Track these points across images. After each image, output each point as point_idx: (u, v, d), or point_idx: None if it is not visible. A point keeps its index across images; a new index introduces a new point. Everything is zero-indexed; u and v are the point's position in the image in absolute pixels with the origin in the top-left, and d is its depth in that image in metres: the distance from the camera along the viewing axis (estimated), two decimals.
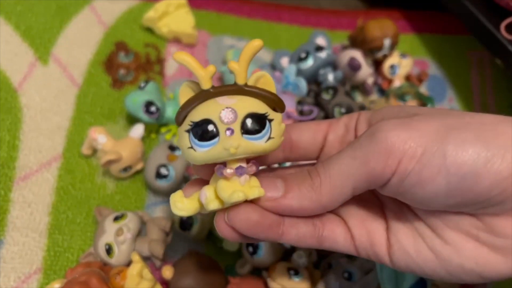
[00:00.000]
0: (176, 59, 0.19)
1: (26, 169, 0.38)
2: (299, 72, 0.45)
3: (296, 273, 0.32)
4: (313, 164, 0.26)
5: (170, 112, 0.41)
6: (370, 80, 0.47)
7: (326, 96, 0.44)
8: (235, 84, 0.20)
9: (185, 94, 0.20)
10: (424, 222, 0.20)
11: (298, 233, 0.21)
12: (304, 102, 0.44)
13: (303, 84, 0.42)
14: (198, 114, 0.19)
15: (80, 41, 0.45)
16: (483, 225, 0.19)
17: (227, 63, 0.46)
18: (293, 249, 0.35)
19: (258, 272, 0.34)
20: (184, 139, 0.20)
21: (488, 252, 0.19)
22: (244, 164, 0.20)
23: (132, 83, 0.45)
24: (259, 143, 0.19)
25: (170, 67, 0.47)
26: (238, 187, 0.20)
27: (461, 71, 0.53)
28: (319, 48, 0.45)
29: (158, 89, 0.41)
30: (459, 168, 0.17)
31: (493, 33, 0.44)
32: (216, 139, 0.19)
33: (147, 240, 0.34)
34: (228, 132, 0.19)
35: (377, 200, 0.23)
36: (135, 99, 0.39)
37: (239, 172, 0.20)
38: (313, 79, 0.46)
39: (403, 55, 0.48)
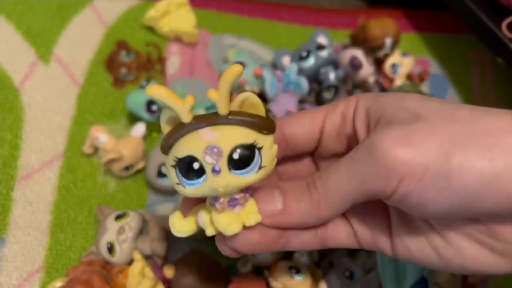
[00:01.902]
0: (149, 94, 0.17)
1: (27, 168, 0.38)
2: (300, 71, 0.45)
3: (298, 271, 0.32)
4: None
5: None
6: (371, 79, 0.47)
7: (327, 95, 0.44)
8: (217, 114, 0.18)
9: (166, 121, 0.19)
10: (427, 222, 0.20)
11: (301, 241, 0.22)
12: (305, 101, 0.44)
13: (304, 83, 0.42)
14: (181, 149, 0.18)
15: (81, 41, 0.45)
16: (486, 229, 0.19)
17: (228, 62, 0.46)
18: None
19: (260, 270, 0.34)
20: (172, 174, 0.19)
21: (488, 253, 0.19)
22: (237, 195, 0.19)
23: (133, 82, 0.45)
24: (249, 176, 0.18)
25: (172, 66, 0.47)
26: (233, 216, 0.19)
27: (462, 70, 0.53)
28: (320, 47, 0.45)
29: None
30: (462, 189, 0.17)
31: (494, 32, 0.44)
32: (203, 177, 0.18)
33: (149, 239, 0.34)
34: (214, 172, 0.17)
35: None
36: (137, 98, 0.39)
37: (232, 204, 0.19)
38: (314, 78, 0.46)
39: (404, 54, 0.48)
